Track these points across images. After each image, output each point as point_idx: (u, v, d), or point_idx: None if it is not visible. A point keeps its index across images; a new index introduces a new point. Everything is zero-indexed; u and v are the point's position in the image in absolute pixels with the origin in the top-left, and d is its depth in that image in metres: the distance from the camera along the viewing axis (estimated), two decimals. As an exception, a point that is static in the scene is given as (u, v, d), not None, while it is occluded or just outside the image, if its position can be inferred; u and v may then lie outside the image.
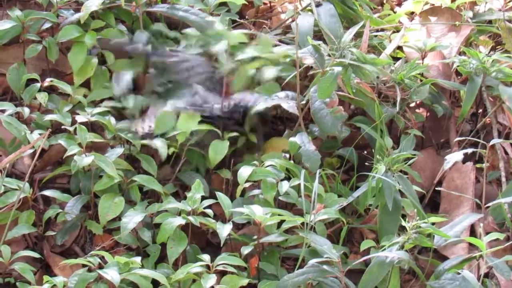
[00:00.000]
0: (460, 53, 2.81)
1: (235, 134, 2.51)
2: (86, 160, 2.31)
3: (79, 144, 2.37)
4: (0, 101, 2.59)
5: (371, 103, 2.50)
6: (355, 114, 2.64)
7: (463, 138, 2.54)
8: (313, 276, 2.10)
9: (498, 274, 2.20)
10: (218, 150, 2.44)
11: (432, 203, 2.56)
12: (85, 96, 2.62)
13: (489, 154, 2.39)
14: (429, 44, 2.73)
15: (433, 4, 3.04)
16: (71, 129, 2.44)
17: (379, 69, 2.51)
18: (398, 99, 2.53)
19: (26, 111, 2.50)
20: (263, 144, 2.58)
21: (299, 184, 2.31)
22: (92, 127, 2.53)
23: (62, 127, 2.48)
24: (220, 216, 2.32)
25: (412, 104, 2.73)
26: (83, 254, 2.36)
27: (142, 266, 2.15)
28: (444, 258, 2.26)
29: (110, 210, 2.31)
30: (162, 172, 2.51)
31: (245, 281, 2.15)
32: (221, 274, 2.16)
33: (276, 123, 2.74)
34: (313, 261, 2.11)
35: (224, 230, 2.20)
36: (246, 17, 3.04)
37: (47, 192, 2.39)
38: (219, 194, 2.30)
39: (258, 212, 2.20)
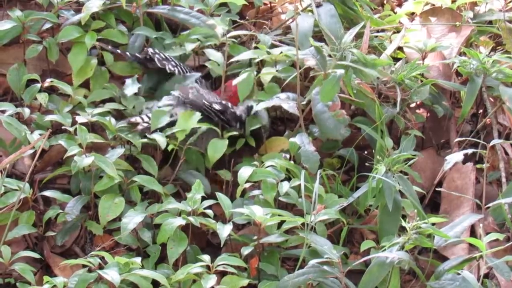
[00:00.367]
0: (461, 53, 2.81)
1: (234, 133, 2.51)
2: (86, 160, 2.31)
3: (80, 145, 2.37)
4: (1, 101, 2.60)
5: (371, 103, 2.50)
6: (355, 115, 2.64)
7: (463, 138, 2.55)
8: (314, 277, 2.10)
9: (498, 275, 2.20)
10: (217, 148, 2.44)
11: (432, 203, 2.56)
12: (85, 96, 2.62)
13: (489, 155, 2.39)
14: (429, 45, 2.73)
15: (434, 5, 3.04)
16: (71, 129, 2.44)
17: (379, 69, 2.51)
18: (399, 99, 2.53)
19: (26, 111, 2.50)
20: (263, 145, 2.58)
21: (299, 185, 2.31)
22: (92, 127, 2.53)
23: (63, 127, 2.48)
24: (220, 217, 2.32)
25: (413, 105, 2.73)
26: (83, 254, 2.36)
27: (142, 267, 2.15)
28: (444, 259, 2.26)
29: (110, 211, 2.31)
30: (162, 172, 2.51)
31: (245, 282, 2.15)
32: (221, 274, 2.16)
33: (276, 123, 2.74)
34: (313, 261, 2.11)
35: (224, 231, 2.20)
36: (247, 17, 3.04)
37: (47, 193, 2.39)
38: (219, 195, 2.30)
39: (258, 212, 2.20)
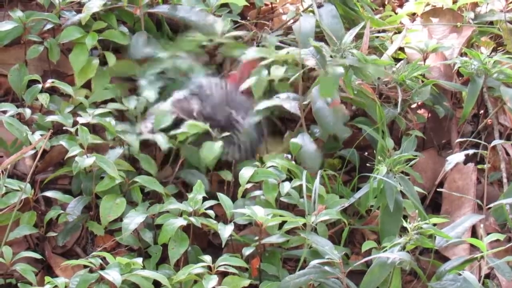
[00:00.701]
0: (462, 54, 2.81)
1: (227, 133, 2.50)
2: (88, 161, 2.31)
3: (81, 145, 2.37)
4: (2, 102, 2.59)
5: (372, 104, 2.50)
6: (356, 115, 2.64)
7: (465, 139, 2.55)
8: (315, 277, 2.10)
9: (499, 275, 2.20)
10: (212, 150, 2.44)
11: (433, 204, 2.56)
12: (86, 97, 2.62)
13: (490, 155, 2.39)
14: (430, 45, 2.73)
15: (435, 5, 3.04)
16: (72, 130, 2.44)
17: (380, 69, 2.51)
18: (400, 100, 2.53)
19: (27, 112, 2.50)
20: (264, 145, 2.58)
21: (300, 185, 2.31)
22: (93, 128, 2.53)
23: (64, 128, 2.48)
24: (222, 217, 2.32)
25: (414, 105, 2.73)
26: (84, 255, 2.36)
27: (144, 267, 2.15)
28: (446, 259, 2.26)
29: (111, 211, 2.31)
30: (163, 172, 2.51)
31: (246, 282, 2.15)
32: (223, 275, 2.16)
33: (277, 124, 2.74)
34: (314, 262, 2.11)
35: (226, 231, 2.20)
36: (248, 18, 3.04)
37: (49, 193, 2.39)
38: (220, 195, 2.30)
39: (259, 213, 2.20)
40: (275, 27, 2.98)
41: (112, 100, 2.63)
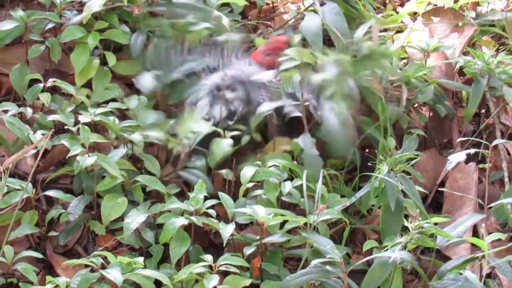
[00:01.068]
0: (463, 53, 2.81)
1: (237, 133, 2.50)
2: (89, 160, 2.31)
3: (82, 145, 2.37)
4: (3, 101, 2.59)
5: (376, 101, 2.50)
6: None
7: (466, 138, 2.55)
8: (316, 277, 2.10)
9: (501, 275, 2.19)
10: (221, 147, 2.44)
11: (434, 203, 2.56)
12: (87, 96, 2.62)
13: (491, 155, 2.39)
14: (432, 45, 2.73)
15: (436, 5, 3.04)
16: (74, 129, 2.44)
17: (390, 67, 2.52)
18: (404, 97, 2.53)
19: (29, 111, 2.50)
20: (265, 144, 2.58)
21: (301, 185, 2.31)
22: (95, 127, 2.53)
23: (65, 127, 2.48)
24: (223, 217, 2.32)
25: (415, 104, 2.73)
26: (85, 254, 2.36)
27: (145, 266, 2.15)
28: (447, 259, 2.26)
29: (113, 211, 2.31)
30: (165, 171, 2.51)
31: (247, 282, 2.15)
32: (224, 274, 2.16)
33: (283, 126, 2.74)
34: (315, 261, 2.11)
35: (227, 231, 2.20)
36: (249, 17, 3.04)
37: (50, 193, 2.39)
38: (221, 195, 2.30)
39: (260, 212, 2.20)
40: (276, 26, 2.98)
41: (113, 99, 2.63)
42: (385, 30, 2.93)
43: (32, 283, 2.17)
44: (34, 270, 2.19)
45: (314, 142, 2.45)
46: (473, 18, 2.97)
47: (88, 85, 2.67)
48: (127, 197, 2.35)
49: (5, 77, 2.72)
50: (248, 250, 2.24)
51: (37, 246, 2.38)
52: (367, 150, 2.58)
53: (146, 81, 2.62)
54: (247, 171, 2.35)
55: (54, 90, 2.65)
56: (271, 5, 3.13)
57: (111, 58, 2.69)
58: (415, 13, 3.10)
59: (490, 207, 2.36)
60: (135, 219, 2.26)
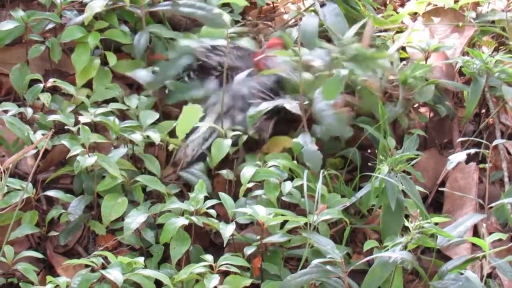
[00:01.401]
0: (464, 53, 2.81)
1: (237, 133, 2.51)
2: (89, 160, 2.31)
3: (82, 145, 2.37)
4: (3, 101, 2.60)
5: (375, 102, 2.50)
6: (358, 115, 2.64)
7: (466, 138, 2.55)
8: (316, 277, 2.10)
9: (501, 275, 2.20)
10: (221, 147, 2.44)
11: (435, 203, 2.56)
12: (87, 96, 2.62)
13: (492, 155, 2.39)
14: (432, 45, 2.74)
15: (436, 5, 3.04)
16: (74, 129, 2.44)
17: (384, 66, 2.51)
18: (400, 97, 2.53)
19: (29, 111, 2.50)
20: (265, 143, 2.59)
21: (302, 185, 2.31)
22: (95, 127, 2.53)
23: (65, 127, 2.48)
24: (223, 217, 2.32)
25: (415, 105, 2.73)
26: (86, 254, 2.36)
27: (145, 266, 2.15)
28: (447, 259, 2.26)
29: (113, 211, 2.31)
30: (165, 171, 2.51)
31: (248, 282, 2.15)
32: (224, 274, 2.16)
33: (279, 123, 2.74)
34: (316, 261, 2.11)
35: (227, 231, 2.20)
36: (249, 17, 3.04)
37: (50, 193, 2.39)
38: (222, 195, 2.30)
39: (261, 212, 2.20)
40: (276, 26, 2.98)
41: (113, 99, 2.63)
42: (386, 30, 2.92)
43: (32, 283, 2.17)
44: (35, 270, 2.19)
45: (314, 140, 2.45)
46: (473, 18, 2.97)
47: (88, 85, 2.67)
48: (128, 197, 2.35)
49: (5, 77, 2.72)
50: (249, 250, 2.24)
51: (38, 246, 2.38)
52: (369, 151, 2.58)
53: (143, 74, 2.62)
54: (247, 171, 2.35)
55: (54, 90, 2.65)
56: (272, 5, 3.13)
57: (112, 58, 2.70)
58: (416, 13, 3.10)
59: (491, 207, 2.36)
60: (136, 219, 2.26)
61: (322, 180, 2.29)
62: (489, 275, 2.26)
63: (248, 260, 2.22)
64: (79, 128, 2.38)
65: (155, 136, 2.44)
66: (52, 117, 2.49)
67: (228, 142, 2.46)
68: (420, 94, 2.60)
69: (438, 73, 2.77)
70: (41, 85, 2.57)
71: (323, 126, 2.48)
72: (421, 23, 2.99)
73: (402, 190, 2.25)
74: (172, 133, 2.49)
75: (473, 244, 2.28)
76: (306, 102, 2.51)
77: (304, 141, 2.44)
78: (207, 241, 2.41)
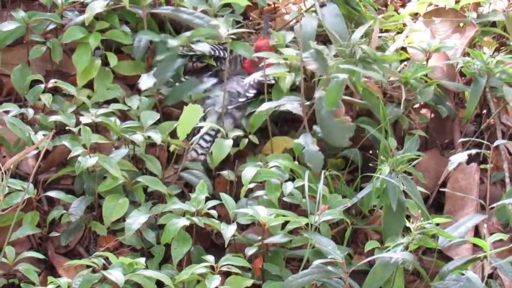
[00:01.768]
0: (465, 54, 2.81)
1: (238, 134, 2.51)
2: (90, 161, 2.31)
3: (83, 145, 2.37)
4: (5, 102, 2.60)
5: (377, 103, 2.50)
6: (359, 115, 2.64)
7: (467, 139, 2.55)
8: (318, 277, 2.10)
9: (503, 275, 2.20)
10: (222, 148, 2.44)
11: (436, 204, 2.56)
12: (88, 97, 2.62)
13: (493, 155, 2.39)
14: (433, 45, 2.73)
15: (437, 5, 3.04)
16: (75, 130, 2.44)
17: (387, 68, 2.51)
18: (403, 99, 2.53)
19: (30, 112, 2.51)
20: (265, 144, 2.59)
21: (303, 185, 2.31)
22: (96, 128, 2.53)
23: (66, 128, 2.48)
24: (225, 217, 2.32)
25: (416, 105, 2.72)
26: (87, 255, 2.36)
27: (147, 267, 2.15)
28: (448, 259, 2.26)
29: (114, 211, 2.32)
30: (166, 172, 2.51)
31: (249, 282, 2.15)
32: (226, 275, 2.16)
33: (280, 124, 2.74)
34: (317, 262, 2.11)
35: (229, 231, 2.20)
36: (250, 18, 3.04)
37: (51, 193, 2.39)
38: (223, 195, 2.30)
39: (262, 213, 2.20)
40: (277, 27, 2.98)
41: (115, 100, 2.63)
42: (386, 30, 2.92)
43: (33, 284, 2.18)
44: (36, 271, 2.19)
45: (315, 141, 2.45)
46: (474, 19, 2.97)
47: (89, 85, 2.67)
48: (129, 198, 2.35)
49: (6, 78, 2.72)
50: (250, 251, 2.24)
51: (39, 246, 2.38)
52: (370, 152, 2.58)
53: (146, 80, 2.63)
54: (248, 172, 2.35)
55: (55, 90, 2.65)
56: (273, 5, 3.13)
57: (113, 59, 2.69)
58: (417, 13, 3.10)
59: (492, 208, 2.36)
60: (137, 219, 2.26)
61: (323, 181, 2.29)
62: (490, 276, 2.26)
63: (249, 260, 2.22)
64: (80, 129, 2.38)
65: (156, 137, 2.44)
66: (53, 118, 2.49)
67: (229, 142, 2.46)
68: (421, 95, 2.60)
69: (439, 73, 2.77)
70: (42, 85, 2.57)
71: (325, 135, 2.49)
72: (422, 24, 2.99)
73: (403, 191, 2.25)
74: (173, 134, 2.49)
75: (474, 245, 2.28)
76: (307, 103, 2.51)
77: (305, 141, 2.44)
78: (208, 242, 2.41)
